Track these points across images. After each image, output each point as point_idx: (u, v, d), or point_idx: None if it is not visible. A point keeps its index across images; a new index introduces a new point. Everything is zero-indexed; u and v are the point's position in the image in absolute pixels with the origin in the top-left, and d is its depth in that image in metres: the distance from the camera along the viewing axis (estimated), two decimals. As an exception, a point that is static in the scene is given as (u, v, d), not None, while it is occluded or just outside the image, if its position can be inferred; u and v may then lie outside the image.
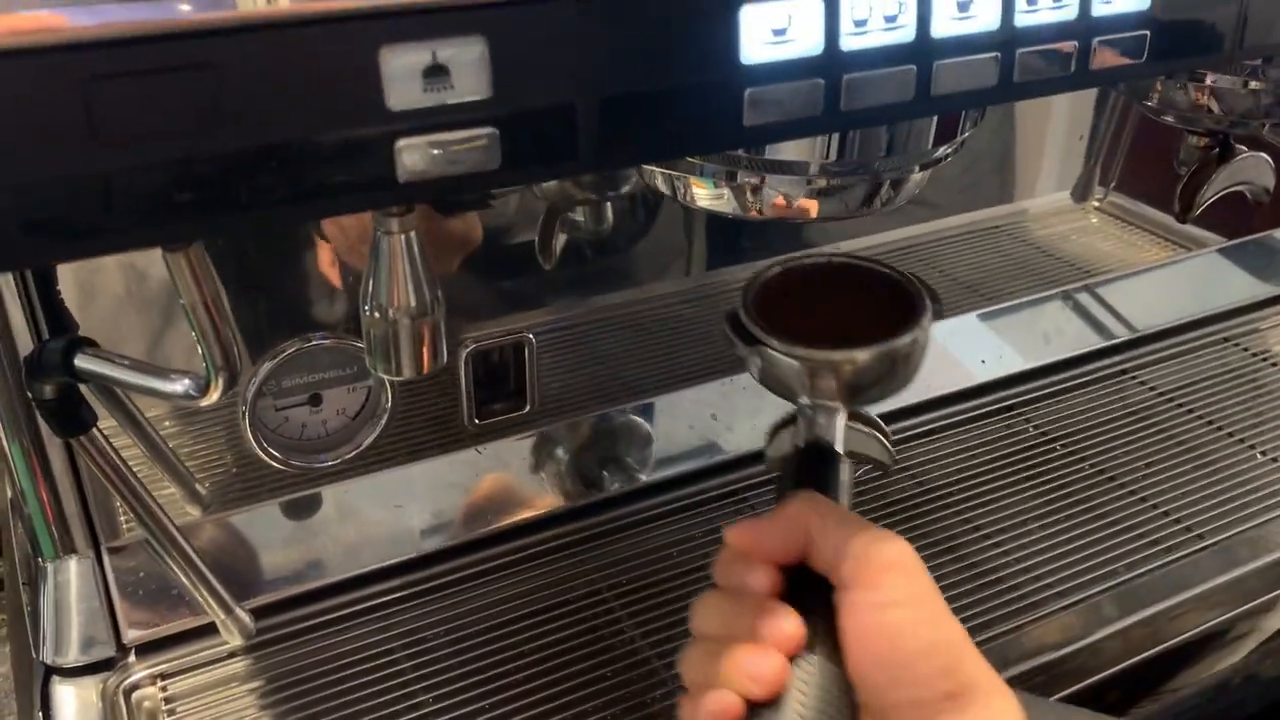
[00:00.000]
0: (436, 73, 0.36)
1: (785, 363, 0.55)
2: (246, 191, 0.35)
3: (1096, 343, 1.05)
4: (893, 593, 0.45)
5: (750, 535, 0.48)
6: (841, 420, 0.55)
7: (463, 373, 0.76)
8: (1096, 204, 1.14)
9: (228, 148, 0.34)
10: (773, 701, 0.44)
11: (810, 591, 0.47)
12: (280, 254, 0.69)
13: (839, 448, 0.55)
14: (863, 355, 0.54)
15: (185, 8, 0.33)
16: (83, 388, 0.56)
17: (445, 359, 0.48)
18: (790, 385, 0.56)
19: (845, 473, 0.54)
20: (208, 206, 0.35)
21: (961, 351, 0.99)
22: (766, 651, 0.45)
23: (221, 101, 0.34)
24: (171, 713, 0.68)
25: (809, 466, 0.54)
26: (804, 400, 0.56)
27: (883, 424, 0.58)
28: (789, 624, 0.45)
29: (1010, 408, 0.97)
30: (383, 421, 0.74)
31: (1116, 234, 1.14)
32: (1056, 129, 1.08)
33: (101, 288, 0.65)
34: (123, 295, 0.66)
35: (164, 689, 0.69)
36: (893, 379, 0.56)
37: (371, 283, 0.46)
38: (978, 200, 1.05)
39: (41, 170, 0.32)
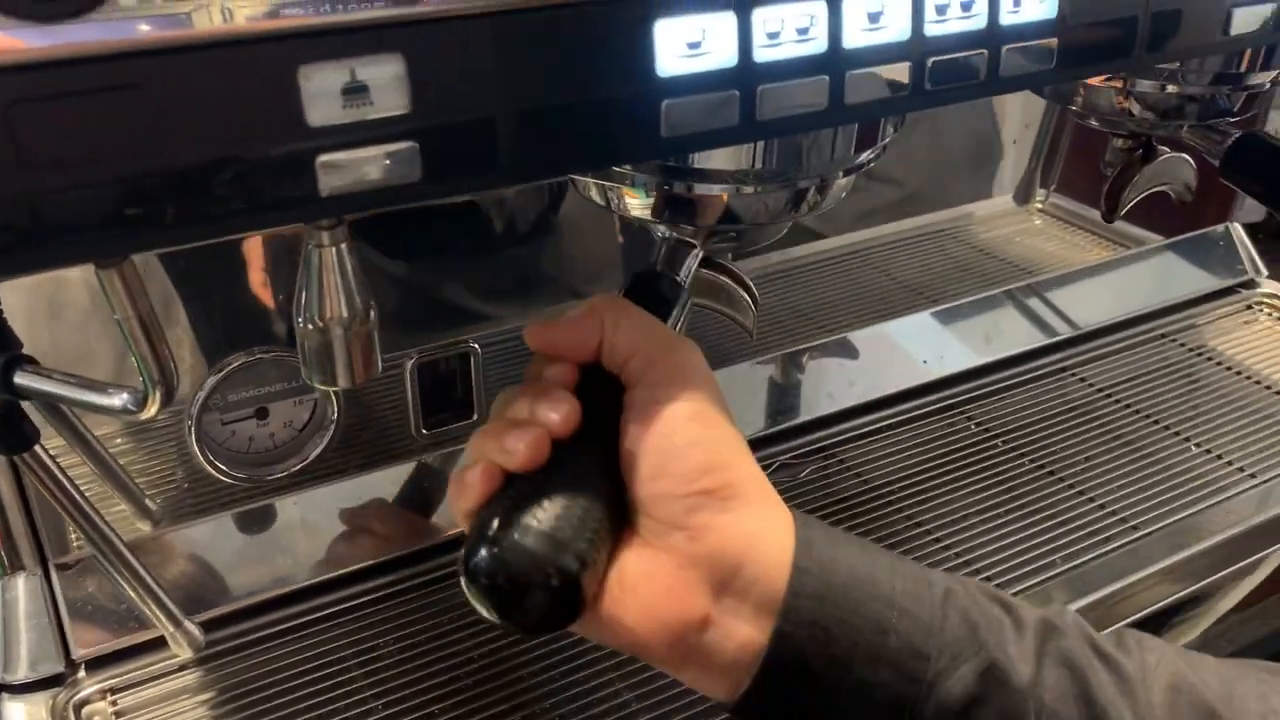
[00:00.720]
0: (356, 90, 0.37)
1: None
2: (172, 209, 0.36)
3: (1037, 341, 1.07)
4: (673, 389, 0.47)
5: (544, 331, 0.50)
6: (694, 260, 0.57)
7: (409, 384, 0.77)
8: (1039, 206, 1.17)
9: (152, 166, 0.35)
10: (531, 476, 0.46)
11: (603, 391, 0.48)
12: (223, 269, 0.70)
13: (684, 282, 0.56)
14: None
15: (145, 28, 0.34)
16: (28, 406, 0.56)
17: (380, 368, 0.49)
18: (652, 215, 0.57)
19: (679, 309, 0.55)
20: (134, 224, 0.36)
21: (905, 351, 1.00)
22: (529, 429, 0.46)
23: (145, 121, 0.35)
24: (123, 727, 0.68)
25: (642, 289, 0.55)
26: (661, 231, 0.57)
27: (752, 286, 0.59)
28: (558, 405, 0.47)
29: (952, 406, 0.99)
30: (330, 433, 0.75)
31: (1059, 235, 1.16)
32: (1004, 134, 1.11)
33: (68, 302, 0.66)
34: (89, 310, 0.66)
35: (114, 703, 0.69)
36: (755, 231, 0.57)
37: (304, 295, 0.47)
38: (922, 205, 1.07)
39: (-33, 191, 0.33)
